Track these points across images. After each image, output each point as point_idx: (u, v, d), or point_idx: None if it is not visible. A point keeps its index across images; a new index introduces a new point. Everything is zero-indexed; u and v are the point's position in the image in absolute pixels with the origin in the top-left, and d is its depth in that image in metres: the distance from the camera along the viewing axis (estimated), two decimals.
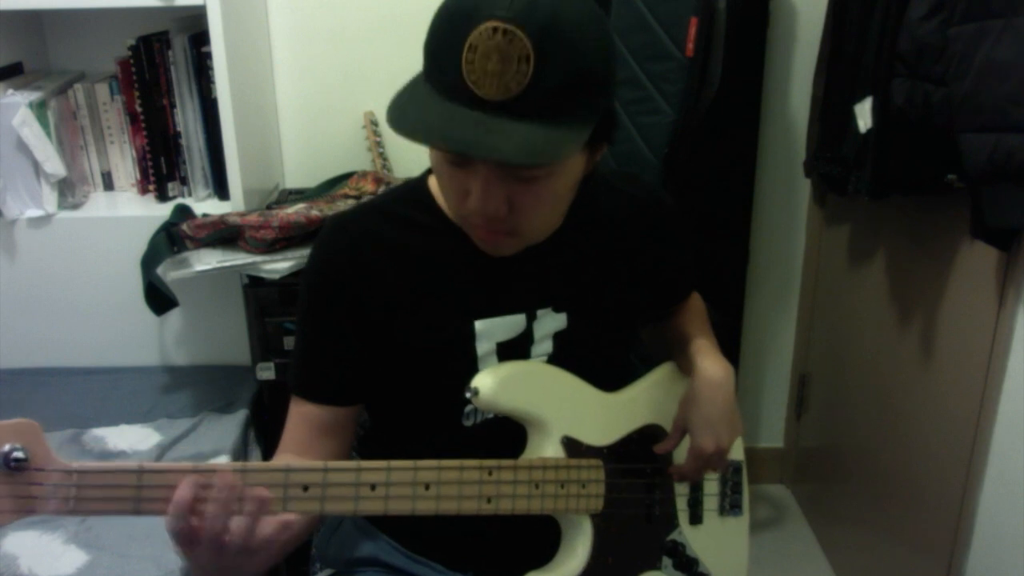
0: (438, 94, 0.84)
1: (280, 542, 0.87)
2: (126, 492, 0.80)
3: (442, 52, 0.83)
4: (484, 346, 1.02)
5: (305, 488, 0.86)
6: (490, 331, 1.02)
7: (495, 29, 0.79)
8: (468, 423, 1.05)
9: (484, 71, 0.80)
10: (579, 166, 0.93)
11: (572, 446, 1.02)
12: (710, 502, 1.17)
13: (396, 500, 0.90)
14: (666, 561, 1.11)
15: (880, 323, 1.87)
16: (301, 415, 1.05)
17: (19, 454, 0.77)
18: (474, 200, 0.88)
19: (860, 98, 1.60)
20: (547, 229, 0.98)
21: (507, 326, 1.03)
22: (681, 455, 1.10)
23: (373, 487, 0.89)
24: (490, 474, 0.94)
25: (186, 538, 0.80)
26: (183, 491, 0.79)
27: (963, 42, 1.29)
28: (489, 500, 0.94)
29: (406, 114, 0.85)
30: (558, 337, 1.06)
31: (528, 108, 0.81)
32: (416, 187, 1.06)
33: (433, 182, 1.06)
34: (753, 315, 2.30)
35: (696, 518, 1.15)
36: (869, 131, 1.57)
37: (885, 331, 1.85)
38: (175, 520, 0.79)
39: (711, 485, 1.17)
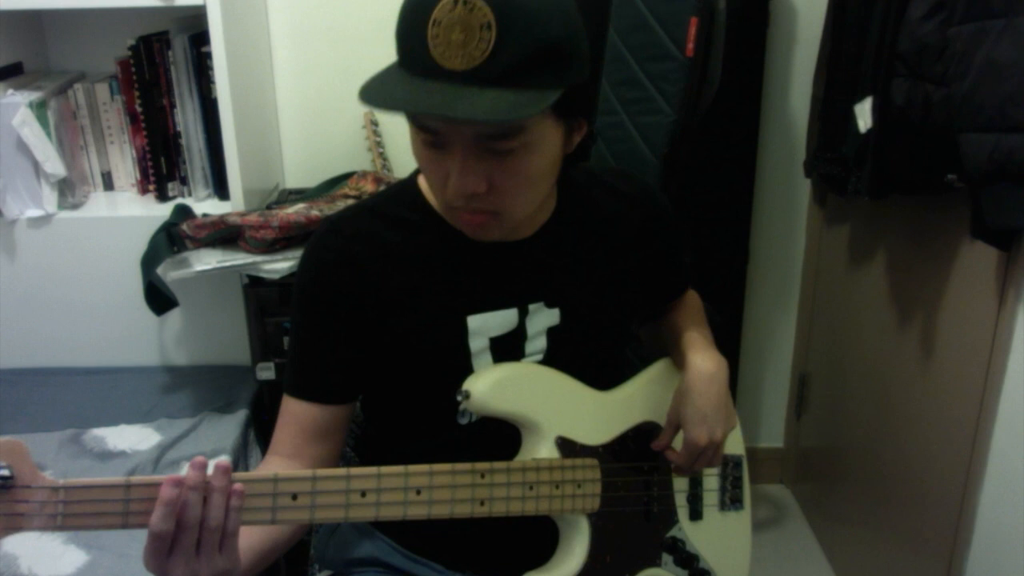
0: (410, 74, 0.86)
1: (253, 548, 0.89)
2: (114, 507, 0.80)
3: (409, 33, 0.86)
4: (477, 342, 1.02)
5: (294, 497, 0.86)
6: (482, 327, 1.02)
7: (456, 1, 0.82)
8: (464, 421, 1.05)
9: (448, 43, 0.82)
10: (555, 143, 0.93)
11: (566, 446, 1.01)
12: (710, 498, 1.16)
13: (387, 506, 0.89)
14: (666, 558, 1.11)
15: (880, 323, 1.87)
16: (293, 415, 1.04)
17: (4, 472, 0.78)
18: (453, 180, 0.89)
19: (860, 98, 1.59)
20: (528, 209, 0.97)
21: (499, 321, 1.03)
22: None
23: (363, 494, 0.88)
24: (483, 477, 0.93)
25: (167, 542, 0.80)
26: (168, 490, 0.79)
27: (963, 42, 1.29)
28: (482, 503, 0.94)
29: (377, 90, 0.87)
30: (552, 333, 1.06)
31: (493, 76, 0.83)
32: (406, 186, 1.07)
33: (423, 179, 1.06)
34: (753, 315, 2.30)
35: (696, 514, 1.14)
36: (869, 131, 1.57)
37: (885, 331, 1.85)
38: (162, 521, 0.79)
39: (711, 480, 1.17)
